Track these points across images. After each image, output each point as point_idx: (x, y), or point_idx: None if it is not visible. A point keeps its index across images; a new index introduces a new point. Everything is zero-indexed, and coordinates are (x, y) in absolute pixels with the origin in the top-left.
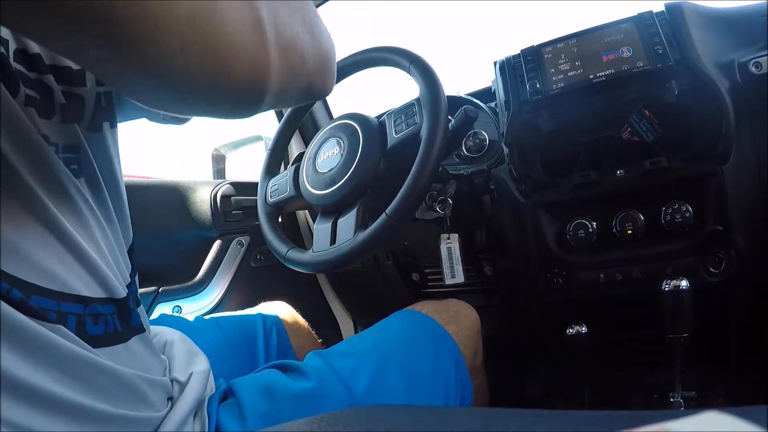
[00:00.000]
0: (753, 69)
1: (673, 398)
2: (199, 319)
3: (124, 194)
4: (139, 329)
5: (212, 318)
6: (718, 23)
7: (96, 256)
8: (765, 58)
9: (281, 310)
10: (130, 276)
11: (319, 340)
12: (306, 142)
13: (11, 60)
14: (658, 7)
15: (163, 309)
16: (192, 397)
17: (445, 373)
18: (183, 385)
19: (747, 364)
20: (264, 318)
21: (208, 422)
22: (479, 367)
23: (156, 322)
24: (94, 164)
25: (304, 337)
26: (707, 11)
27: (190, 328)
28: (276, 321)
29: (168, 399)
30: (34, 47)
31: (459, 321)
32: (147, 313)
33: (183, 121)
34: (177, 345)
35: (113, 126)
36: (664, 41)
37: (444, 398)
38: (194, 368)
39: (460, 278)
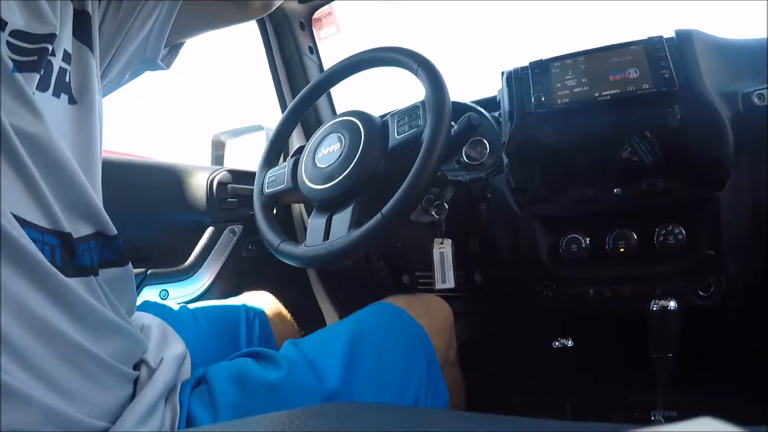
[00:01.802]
0: (756, 100)
1: (654, 417)
2: (183, 307)
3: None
4: (86, 272)
5: (196, 307)
6: (725, 53)
7: (43, 184)
8: None
9: (264, 300)
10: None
11: (302, 332)
12: (307, 136)
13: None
14: (669, 32)
15: (150, 292)
16: (162, 381)
17: (417, 371)
18: (152, 370)
19: (730, 386)
20: (247, 308)
21: (179, 410)
22: (453, 362)
23: (140, 308)
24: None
25: (286, 327)
26: (716, 41)
27: (173, 316)
28: (258, 311)
29: (136, 368)
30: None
31: (431, 314)
32: None
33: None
34: (153, 330)
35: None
36: (671, 66)
37: (414, 394)
38: (168, 353)
39: (450, 284)
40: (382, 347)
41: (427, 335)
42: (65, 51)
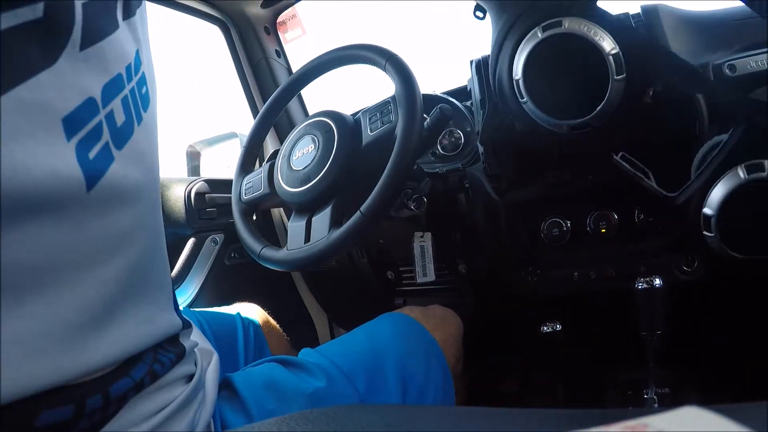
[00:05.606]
0: (727, 71)
1: (647, 395)
2: (184, 310)
3: None
4: None
5: (196, 311)
6: (692, 26)
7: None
8: (739, 61)
9: (254, 311)
10: None
11: (291, 343)
12: (281, 140)
13: None
14: (635, 8)
15: None
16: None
17: (434, 382)
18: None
19: (719, 361)
20: (241, 316)
21: (213, 419)
22: (460, 374)
23: None
24: None
25: (277, 339)
26: (682, 14)
27: None
28: (252, 320)
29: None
30: None
31: (445, 328)
32: None
33: None
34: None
35: None
36: None
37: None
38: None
39: (431, 277)
40: (405, 360)
41: (441, 350)
42: None
